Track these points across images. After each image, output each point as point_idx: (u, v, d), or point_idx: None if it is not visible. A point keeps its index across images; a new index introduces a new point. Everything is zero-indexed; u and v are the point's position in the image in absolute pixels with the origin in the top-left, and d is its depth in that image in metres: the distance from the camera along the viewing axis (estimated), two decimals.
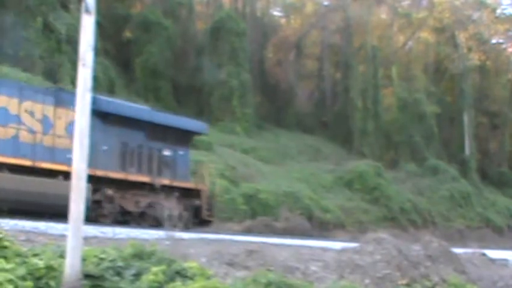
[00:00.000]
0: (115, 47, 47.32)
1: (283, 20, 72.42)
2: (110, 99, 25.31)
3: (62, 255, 10.40)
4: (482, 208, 56.03)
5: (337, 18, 61.59)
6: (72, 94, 22.19)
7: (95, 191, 21.55)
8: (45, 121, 21.30)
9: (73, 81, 30.62)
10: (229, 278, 13.41)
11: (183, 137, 26.18)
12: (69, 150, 18.69)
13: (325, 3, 64.61)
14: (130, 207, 23.47)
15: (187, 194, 25.49)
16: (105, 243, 14.20)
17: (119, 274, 10.77)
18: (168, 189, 24.49)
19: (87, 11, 10.01)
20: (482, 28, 72.37)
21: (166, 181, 24.66)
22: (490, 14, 73.84)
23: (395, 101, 61.95)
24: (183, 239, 16.96)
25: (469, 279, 19.92)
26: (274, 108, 59.46)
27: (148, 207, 23.84)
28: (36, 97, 21.32)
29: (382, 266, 18.06)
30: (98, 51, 32.81)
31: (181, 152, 25.90)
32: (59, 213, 16.89)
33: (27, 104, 20.82)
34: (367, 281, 17.00)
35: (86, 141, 9.94)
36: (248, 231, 28.72)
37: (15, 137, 20.24)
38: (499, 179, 66.52)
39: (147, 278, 10.71)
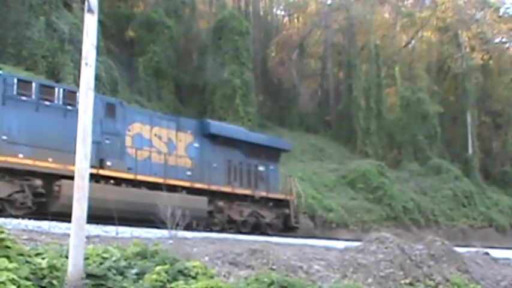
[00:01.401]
0: (118, 46, 47.29)
1: (286, 19, 72.48)
2: (217, 123, 29.86)
3: (64, 255, 10.39)
4: (485, 207, 55.96)
5: (340, 17, 61.46)
6: (189, 120, 26.81)
7: (209, 202, 25.65)
8: (169, 144, 25.23)
9: (76, 81, 30.80)
10: (232, 277, 13.42)
11: (273, 154, 30.31)
12: (188, 169, 25.39)
13: (328, 2, 64.55)
14: (235, 216, 27.28)
15: (278, 204, 29.46)
16: (108, 242, 14.21)
17: (121, 273, 10.77)
18: (264, 200, 28.79)
19: (90, 10, 10.00)
20: (485, 27, 72.24)
21: (263, 193, 28.75)
22: (493, 14, 73.71)
23: (399, 101, 61.84)
24: (186, 238, 16.98)
25: (472, 279, 19.92)
26: (277, 107, 59.44)
27: (249, 216, 27.88)
28: (162, 123, 25.25)
29: (385, 265, 18.06)
30: (101, 51, 32.95)
31: (272, 167, 29.95)
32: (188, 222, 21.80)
33: (156, 130, 24.80)
34: (370, 280, 17.01)
35: (89, 140, 9.92)
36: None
37: (149, 158, 24.06)
38: (502, 178, 66.39)
39: (150, 277, 10.71)
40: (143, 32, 47.44)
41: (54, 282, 9.46)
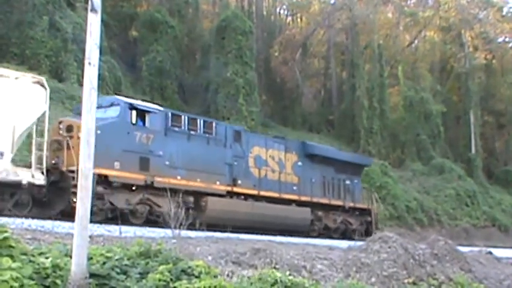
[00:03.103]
0: (121, 46, 47.34)
1: (289, 19, 72.52)
2: (315, 144, 34.25)
3: (68, 254, 10.39)
4: (488, 207, 56.00)
5: (343, 17, 61.43)
6: (293, 142, 31.71)
7: (311, 212, 29.57)
8: (280, 163, 28.93)
9: (79, 80, 30.82)
10: (236, 276, 13.41)
11: (357, 169, 34.12)
12: (294, 184, 29.19)
13: (332, 2, 64.52)
14: (330, 224, 31.21)
15: (362, 212, 33.22)
16: (112, 242, 14.20)
17: (125, 273, 10.75)
18: (351, 210, 32.46)
19: (93, 9, 10.00)
20: (488, 27, 72.18)
21: (351, 204, 32.41)
22: (496, 13, 73.69)
23: (402, 100, 61.89)
24: (189, 238, 16.97)
25: (475, 278, 19.92)
26: (280, 107, 59.50)
27: (340, 223, 31.80)
28: (274, 146, 29.03)
29: (388, 264, 18.05)
30: (104, 50, 32.96)
31: (355, 181, 33.58)
32: (296, 230, 27.74)
33: (270, 151, 28.58)
34: (373, 279, 16.99)
35: (92, 140, 9.89)
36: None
37: (266, 176, 27.84)
38: (504, 177, 66.36)
39: (153, 276, 10.70)
40: (146, 31, 47.44)
41: (58, 281, 9.46)
